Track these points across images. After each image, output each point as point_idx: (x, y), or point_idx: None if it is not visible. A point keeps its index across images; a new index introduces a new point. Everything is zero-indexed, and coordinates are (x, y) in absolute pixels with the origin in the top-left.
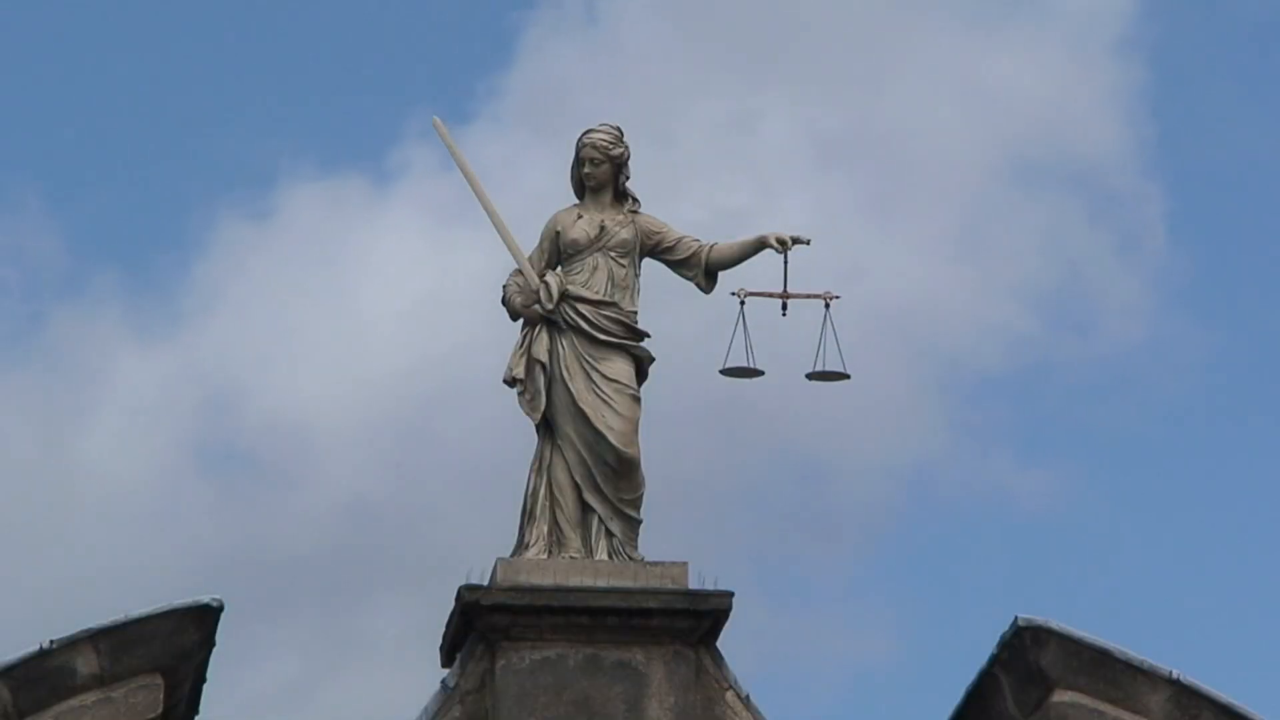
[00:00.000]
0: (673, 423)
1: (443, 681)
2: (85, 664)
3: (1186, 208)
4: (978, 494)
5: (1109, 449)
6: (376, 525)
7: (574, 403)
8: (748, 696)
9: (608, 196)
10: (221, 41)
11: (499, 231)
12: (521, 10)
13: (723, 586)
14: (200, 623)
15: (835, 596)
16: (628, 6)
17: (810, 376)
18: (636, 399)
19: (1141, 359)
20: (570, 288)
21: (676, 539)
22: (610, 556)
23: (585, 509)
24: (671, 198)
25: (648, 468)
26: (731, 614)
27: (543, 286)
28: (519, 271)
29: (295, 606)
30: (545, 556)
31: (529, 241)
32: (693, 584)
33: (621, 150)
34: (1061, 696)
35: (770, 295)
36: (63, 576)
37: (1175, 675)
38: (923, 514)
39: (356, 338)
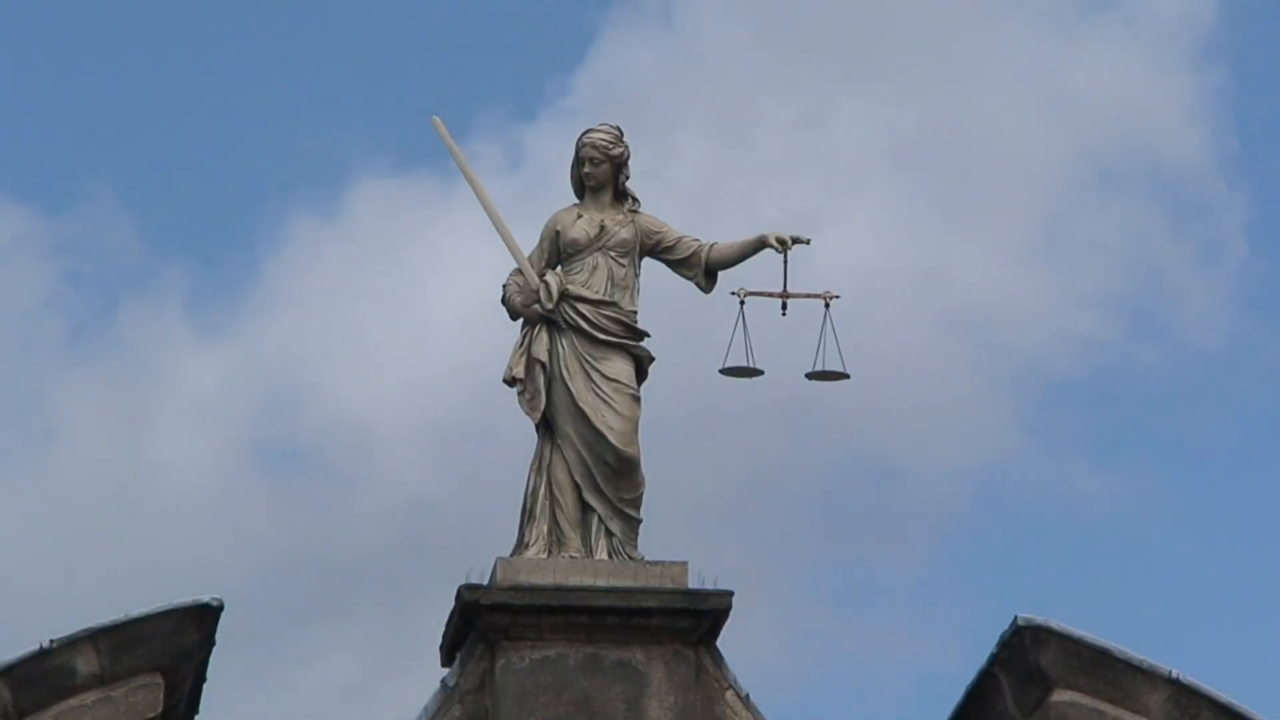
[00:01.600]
0: (734, 422)
1: (442, 681)
2: (85, 663)
3: (1268, 215)
4: (1048, 498)
5: (1184, 455)
6: (437, 525)
7: (574, 402)
8: (747, 696)
9: (608, 196)
10: (297, 39)
11: (499, 231)
12: (598, 10)
13: (766, 587)
14: (200, 622)
15: (902, 599)
16: (705, 6)
17: (810, 376)
18: (636, 398)
19: (1219, 366)
20: (570, 287)
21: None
22: (610, 556)
23: (585, 508)
24: (745, 197)
25: (691, 467)
26: (756, 613)
27: (542, 286)
28: (519, 271)
29: (355, 607)
30: (545, 556)
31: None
32: (692, 583)
33: (621, 150)
34: (1061, 696)
35: (770, 295)
36: (128, 576)
37: (1175, 675)
38: (992, 517)
39: (420, 337)
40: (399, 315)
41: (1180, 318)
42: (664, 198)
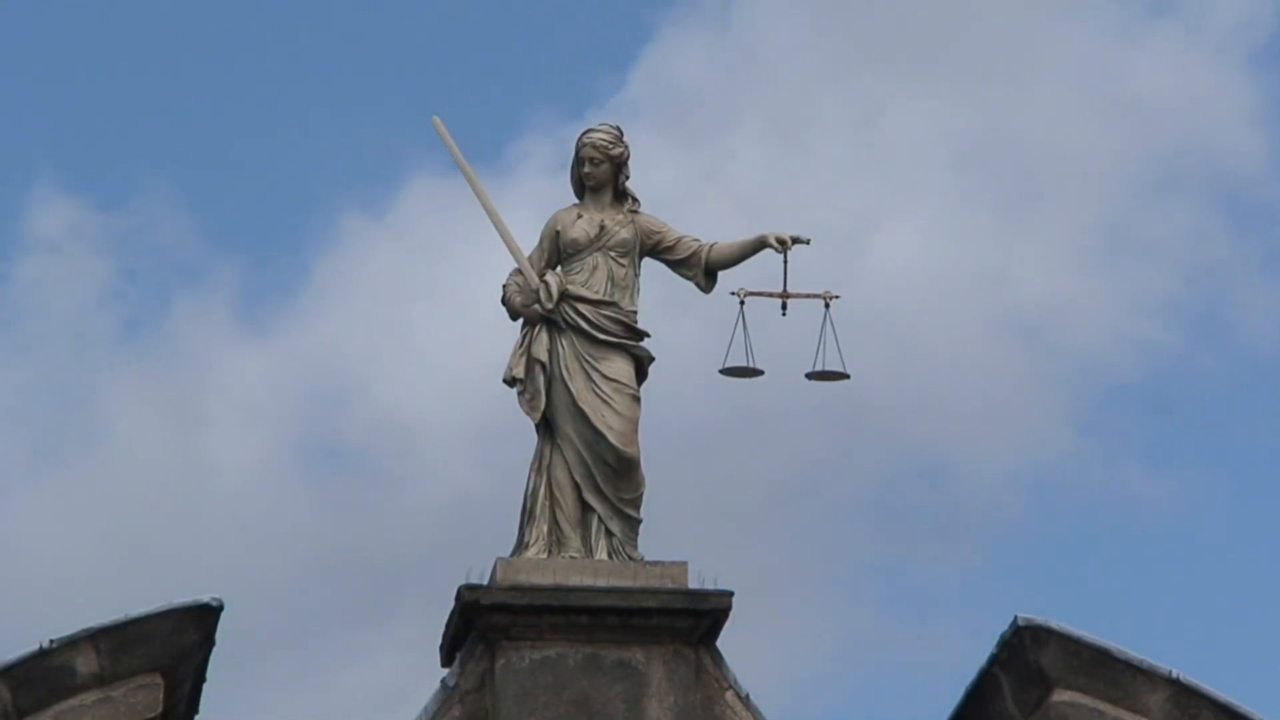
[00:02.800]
0: (782, 421)
1: (442, 681)
2: (85, 663)
3: None
4: (1102, 501)
5: (1240, 461)
6: (481, 526)
7: (574, 402)
8: (747, 696)
9: (607, 196)
10: (352, 38)
11: (499, 231)
12: (656, 9)
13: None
14: (200, 622)
15: (952, 601)
16: (762, 6)
17: (810, 376)
18: (636, 398)
19: (1279, 372)
20: (570, 287)
21: (677, 539)
22: (610, 556)
23: (585, 508)
24: (800, 198)
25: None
26: (799, 614)
27: (542, 286)
28: (519, 271)
29: (398, 607)
30: (545, 556)
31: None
32: (692, 583)
33: (621, 150)
34: (1061, 696)
35: (770, 295)
36: (170, 573)
37: (1175, 675)
38: (1044, 519)
39: (468, 338)
40: (447, 315)
41: (1240, 323)
42: (720, 200)
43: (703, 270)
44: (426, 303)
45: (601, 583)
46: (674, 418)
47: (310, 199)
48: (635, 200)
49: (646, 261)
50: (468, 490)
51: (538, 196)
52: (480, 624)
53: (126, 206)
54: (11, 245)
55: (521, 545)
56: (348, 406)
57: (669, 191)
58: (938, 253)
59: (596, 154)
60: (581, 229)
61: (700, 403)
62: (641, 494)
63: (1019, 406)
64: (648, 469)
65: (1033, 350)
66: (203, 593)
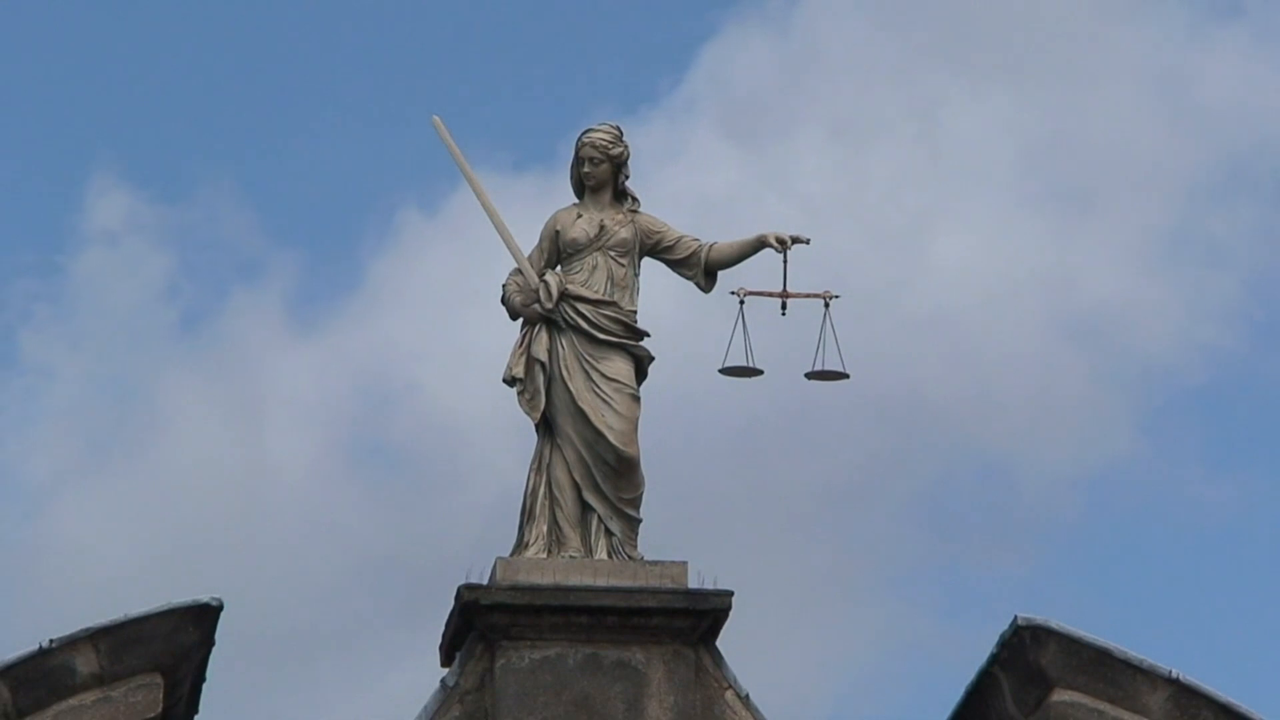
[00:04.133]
0: (836, 420)
1: (442, 681)
2: (85, 663)
3: None
4: (1161, 504)
5: None
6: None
7: (573, 402)
8: (747, 696)
9: (607, 196)
10: (414, 35)
11: (498, 231)
12: (719, 9)
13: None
14: (200, 622)
15: (1009, 603)
16: (824, 5)
17: (810, 376)
18: (636, 398)
19: None
20: (570, 287)
21: (677, 539)
22: (610, 556)
23: (585, 508)
24: (861, 196)
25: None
26: (850, 615)
27: (542, 286)
28: (519, 271)
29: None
30: (545, 556)
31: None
32: (692, 583)
33: (621, 150)
34: (1061, 696)
35: (770, 295)
36: (233, 575)
37: (1175, 675)
38: (1104, 521)
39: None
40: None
41: None
42: (782, 202)
43: (703, 270)
44: (479, 302)
45: (601, 583)
46: (726, 419)
47: (368, 196)
48: (635, 200)
49: (646, 261)
50: (517, 491)
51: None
52: (480, 624)
53: (186, 199)
54: (70, 237)
55: (521, 545)
56: (398, 405)
57: (728, 192)
58: (998, 253)
59: (596, 154)
60: (581, 229)
61: (752, 403)
62: (641, 494)
63: (1078, 408)
64: (694, 470)
65: (1093, 352)
66: (254, 594)
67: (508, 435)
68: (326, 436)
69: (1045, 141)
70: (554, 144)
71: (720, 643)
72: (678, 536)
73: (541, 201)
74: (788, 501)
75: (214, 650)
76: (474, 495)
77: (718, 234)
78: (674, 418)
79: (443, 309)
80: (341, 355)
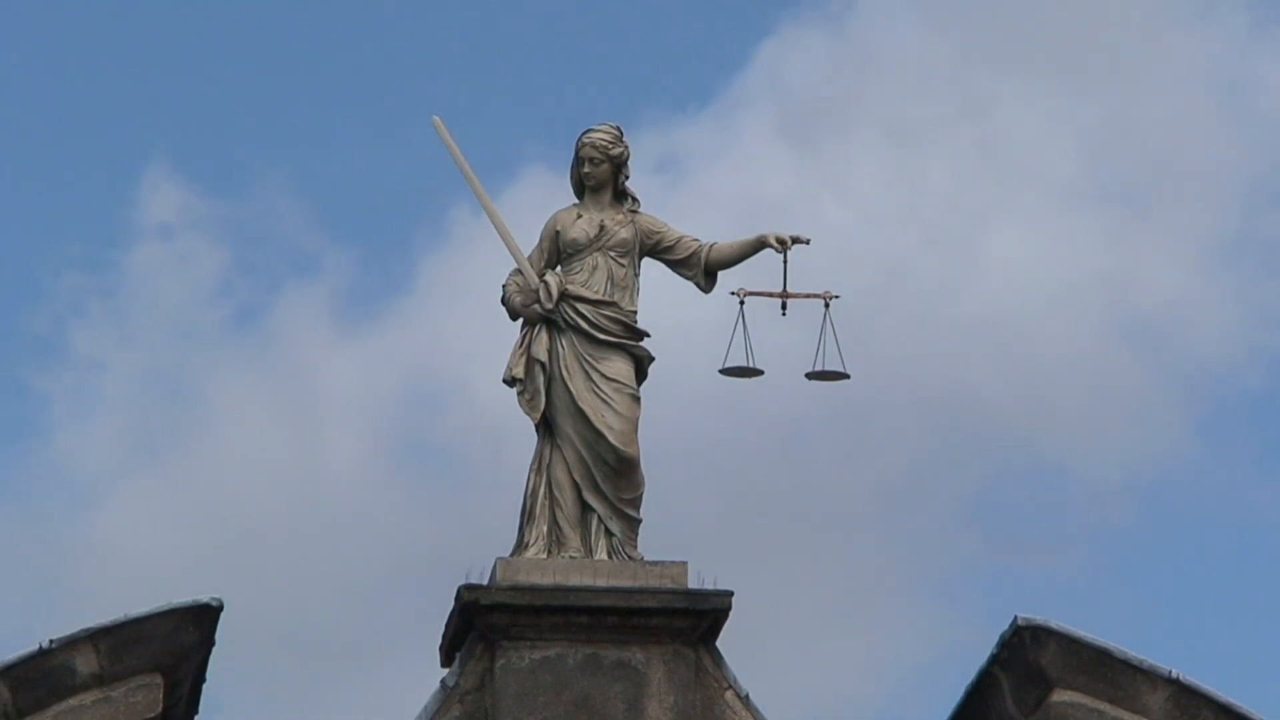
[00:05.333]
0: (889, 417)
1: (442, 681)
2: (85, 663)
3: None
4: (1218, 509)
5: None
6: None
7: (573, 402)
8: (747, 696)
9: (607, 196)
10: (466, 34)
11: (498, 231)
12: (775, 9)
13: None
14: (200, 622)
15: (1059, 607)
16: (880, 4)
17: (810, 376)
18: (636, 398)
19: None
20: (570, 287)
21: (676, 539)
22: (610, 556)
23: (585, 508)
24: (915, 197)
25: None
26: (899, 617)
27: (542, 286)
28: (519, 271)
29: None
30: (545, 556)
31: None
32: (692, 583)
33: (621, 150)
34: (1061, 696)
35: (770, 295)
36: (264, 570)
37: (1175, 675)
38: (1158, 525)
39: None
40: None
41: None
42: (836, 203)
43: (703, 270)
44: None
45: (601, 583)
46: (773, 417)
47: (421, 193)
48: (635, 200)
49: (646, 261)
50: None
51: (639, 190)
52: (480, 624)
53: (241, 194)
54: (123, 231)
55: (521, 545)
56: (446, 404)
57: (782, 192)
58: (1054, 254)
59: (596, 154)
60: (581, 229)
61: (798, 402)
62: (641, 494)
63: (1133, 411)
64: (742, 471)
65: (1149, 355)
66: (288, 595)
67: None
68: (374, 435)
69: (1101, 142)
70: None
71: (761, 641)
72: (700, 535)
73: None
74: (837, 502)
75: (220, 649)
76: (520, 496)
77: (768, 230)
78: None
79: (493, 308)
80: (391, 353)
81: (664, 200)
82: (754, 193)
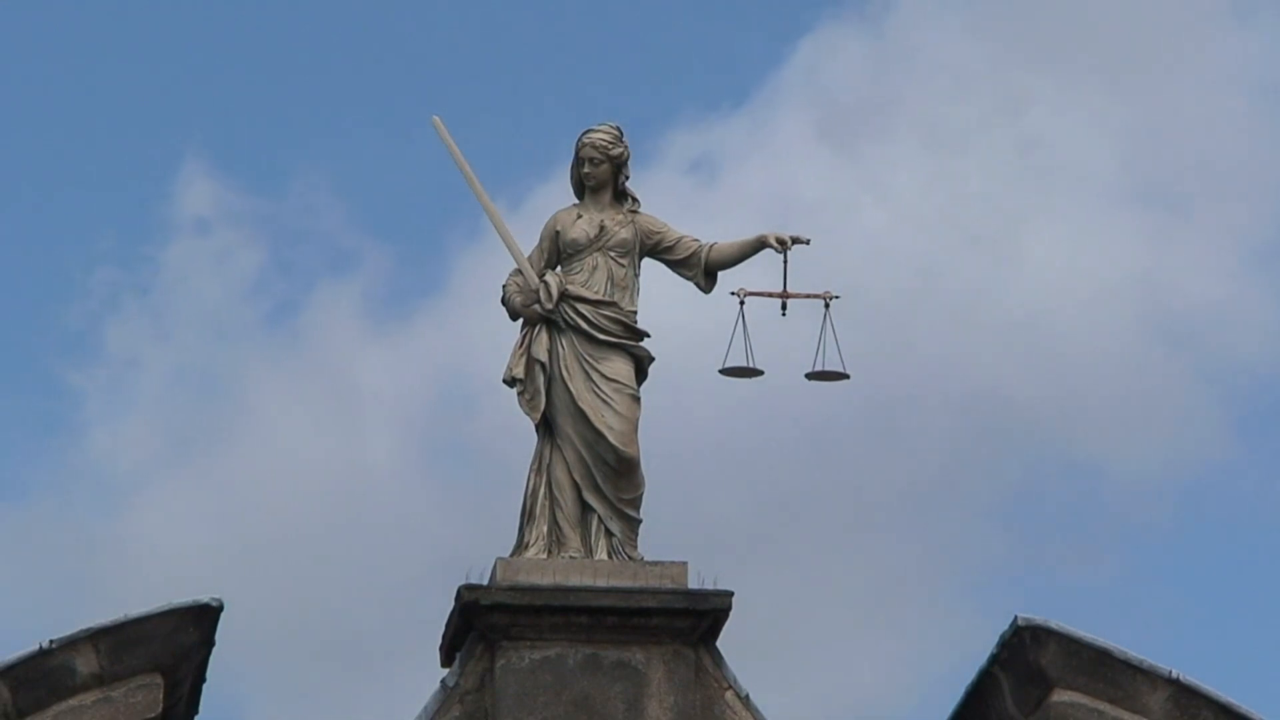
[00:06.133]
0: (927, 415)
1: (442, 681)
2: (85, 663)
3: None
4: (1255, 510)
5: None
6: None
7: (574, 402)
8: (747, 696)
9: (607, 196)
10: (499, 34)
11: (498, 231)
12: (813, 9)
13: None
14: (200, 622)
15: (1096, 609)
16: (920, 5)
17: (810, 376)
18: (636, 399)
19: None
20: (570, 287)
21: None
22: (610, 556)
23: (585, 508)
24: (953, 197)
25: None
26: (926, 616)
27: (542, 286)
28: (518, 271)
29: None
30: (545, 556)
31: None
32: (692, 583)
33: (621, 150)
34: (1061, 696)
35: (770, 295)
36: (326, 574)
37: (1175, 675)
38: (1197, 527)
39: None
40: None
41: None
42: (875, 205)
43: (703, 270)
44: None
45: (601, 583)
46: (804, 417)
47: (458, 192)
48: (635, 200)
49: (646, 261)
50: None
51: (673, 190)
52: (480, 624)
53: (279, 190)
54: (159, 227)
55: (521, 545)
56: (478, 404)
57: (819, 191)
58: (1092, 255)
59: (596, 154)
60: (581, 229)
61: (829, 401)
62: (641, 494)
63: (1172, 412)
64: (775, 470)
65: (1188, 356)
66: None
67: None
68: (408, 434)
69: (1140, 143)
70: (643, 138)
71: (788, 641)
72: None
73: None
74: (868, 503)
75: (250, 649)
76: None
77: (804, 231)
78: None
79: None
80: (425, 352)
81: (698, 199)
82: (789, 193)
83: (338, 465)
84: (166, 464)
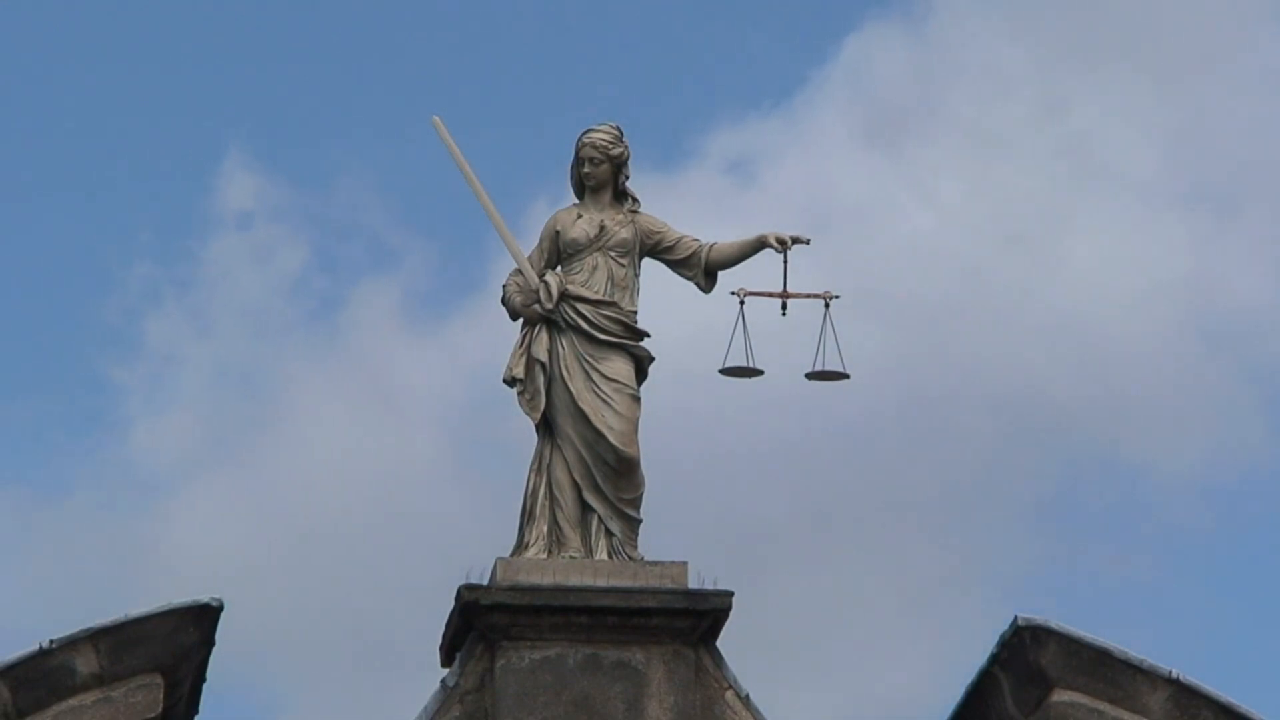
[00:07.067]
0: (960, 413)
1: (442, 681)
2: (85, 663)
3: None
4: None
5: None
6: (665, 526)
7: (574, 402)
8: (747, 696)
9: (607, 196)
10: (559, 35)
11: (498, 231)
12: (857, 9)
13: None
14: (200, 622)
15: (1135, 611)
16: (963, 4)
17: (810, 376)
18: (636, 398)
19: None
20: (570, 287)
21: (675, 539)
22: (610, 556)
23: (585, 508)
24: (996, 196)
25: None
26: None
27: (542, 286)
28: (519, 271)
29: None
30: (545, 556)
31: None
32: (692, 583)
33: (621, 150)
34: (1061, 696)
35: (770, 295)
36: (358, 574)
37: (1175, 675)
38: (1237, 531)
39: (662, 333)
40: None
41: None
42: (919, 207)
43: (703, 270)
44: None
45: (601, 583)
46: (844, 416)
47: (500, 191)
48: (635, 200)
49: (646, 261)
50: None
51: (710, 190)
52: (480, 624)
53: (324, 186)
54: (201, 222)
55: (521, 545)
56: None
57: (862, 192)
58: (1136, 256)
59: (596, 154)
60: (581, 229)
61: (870, 400)
62: (641, 494)
63: (1215, 415)
64: (810, 469)
65: (1231, 357)
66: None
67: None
68: (444, 433)
69: (1184, 144)
70: (680, 137)
71: (823, 641)
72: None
73: (659, 197)
74: (906, 502)
75: (285, 648)
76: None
77: (845, 232)
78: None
79: None
80: (462, 350)
81: (735, 199)
82: (830, 194)
83: (376, 463)
84: (205, 461)
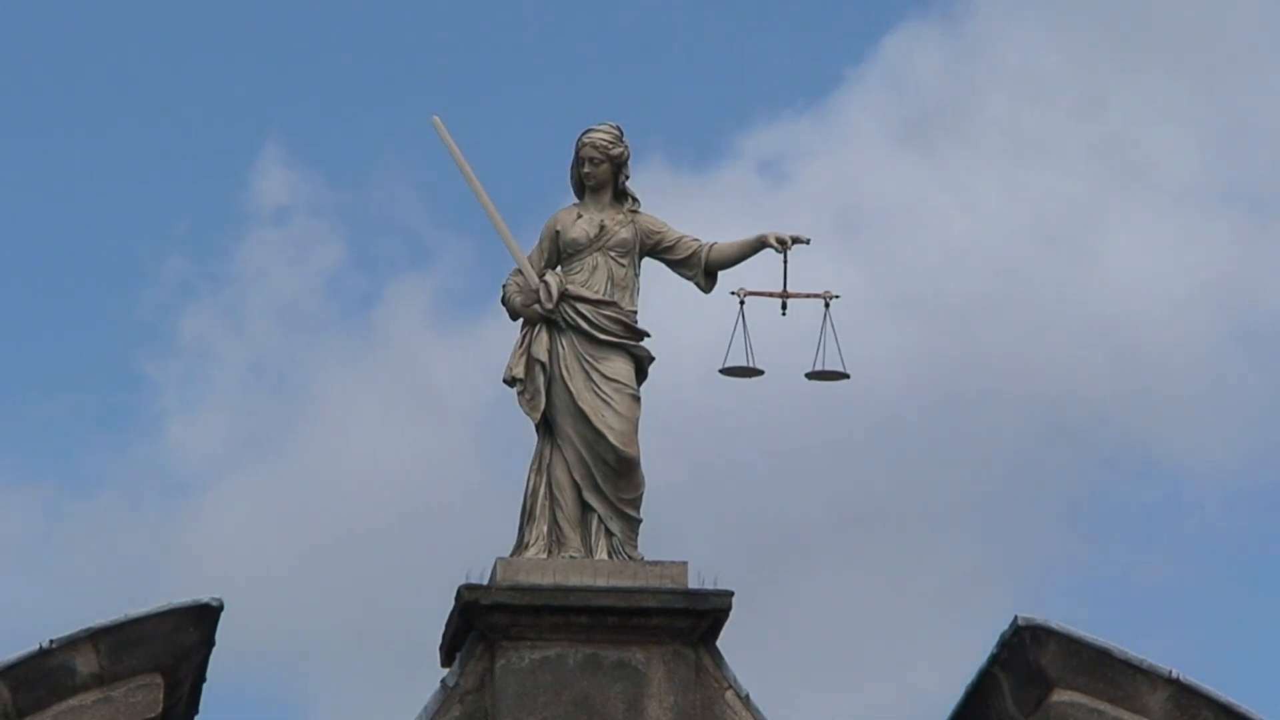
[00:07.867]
0: (993, 411)
1: (442, 681)
2: (85, 663)
3: None
4: None
5: None
6: (669, 522)
7: (574, 402)
8: (747, 696)
9: (607, 196)
10: (595, 36)
11: (498, 231)
12: (895, 9)
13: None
14: (200, 622)
15: (1173, 612)
16: (1002, 7)
17: (810, 376)
18: (636, 398)
19: None
20: (570, 287)
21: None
22: (610, 556)
23: (585, 508)
24: (1033, 198)
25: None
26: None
27: (542, 286)
28: (519, 271)
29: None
30: (545, 556)
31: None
32: (692, 583)
33: (621, 150)
34: (1061, 696)
35: (770, 295)
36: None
37: (1175, 675)
38: (1272, 533)
39: (664, 330)
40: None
41: None
42: (956, 208)
43: (703, 270)
44: None
45: (601, 583)
46: (868, 417)
47: (532, 191)
48: (635, 200)
49: (646, 261)
50: (666, 482)
51: (743, 190)
52: (480, 624)
53: (360, 181)
54: (236, 218)
55: (521, 545)
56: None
57: (899, 192)
58: (1174, 257)
59: (596, 154)
60: (581, 229)
61: (896, 400)
62: (641, 494)
63: (1253, 417)
64: (840, 469)
65: (1269, 358)
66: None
67: (647, 439)
68: (476, 432)
69: (1223, 144)
70: (718, 137)
71: (857, 640)
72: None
73: (689, 196)
74: (938, 502)
75: (317, 647)
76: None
77: (880, 232)
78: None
79: None
80: (494, 348)
81: (767, 198)
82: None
83: (408, 462)
84: (237, 458)
